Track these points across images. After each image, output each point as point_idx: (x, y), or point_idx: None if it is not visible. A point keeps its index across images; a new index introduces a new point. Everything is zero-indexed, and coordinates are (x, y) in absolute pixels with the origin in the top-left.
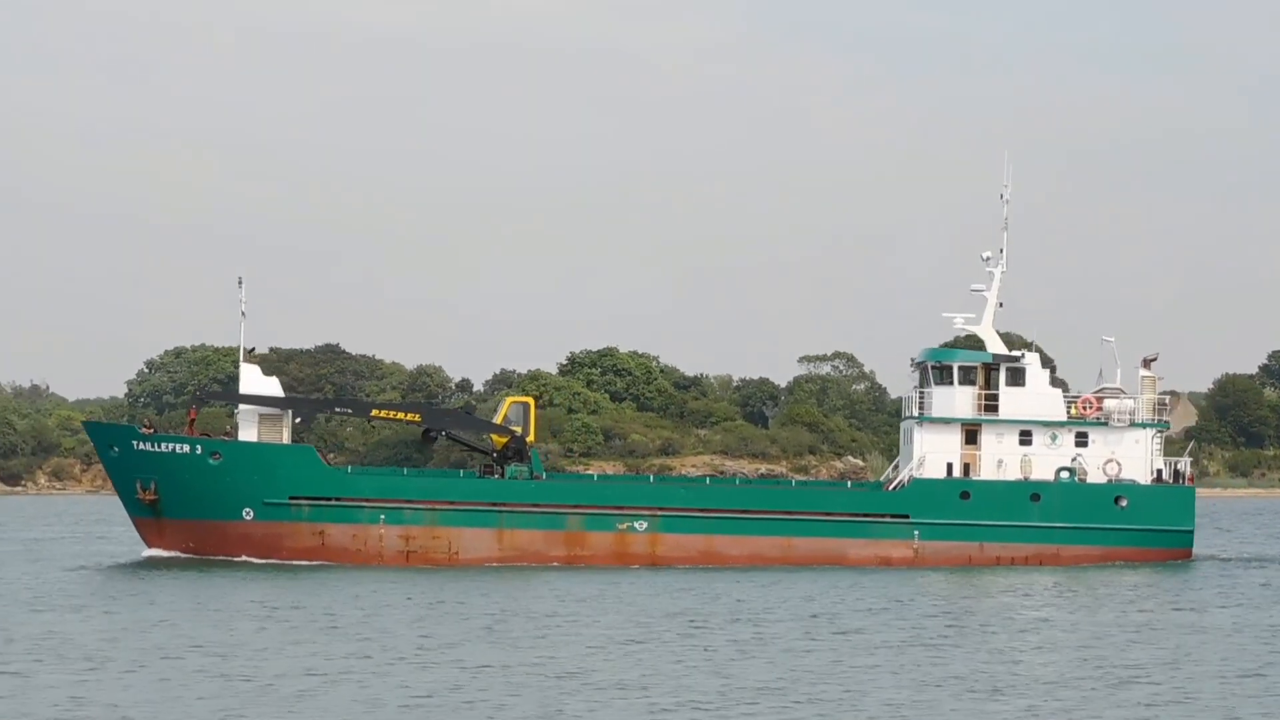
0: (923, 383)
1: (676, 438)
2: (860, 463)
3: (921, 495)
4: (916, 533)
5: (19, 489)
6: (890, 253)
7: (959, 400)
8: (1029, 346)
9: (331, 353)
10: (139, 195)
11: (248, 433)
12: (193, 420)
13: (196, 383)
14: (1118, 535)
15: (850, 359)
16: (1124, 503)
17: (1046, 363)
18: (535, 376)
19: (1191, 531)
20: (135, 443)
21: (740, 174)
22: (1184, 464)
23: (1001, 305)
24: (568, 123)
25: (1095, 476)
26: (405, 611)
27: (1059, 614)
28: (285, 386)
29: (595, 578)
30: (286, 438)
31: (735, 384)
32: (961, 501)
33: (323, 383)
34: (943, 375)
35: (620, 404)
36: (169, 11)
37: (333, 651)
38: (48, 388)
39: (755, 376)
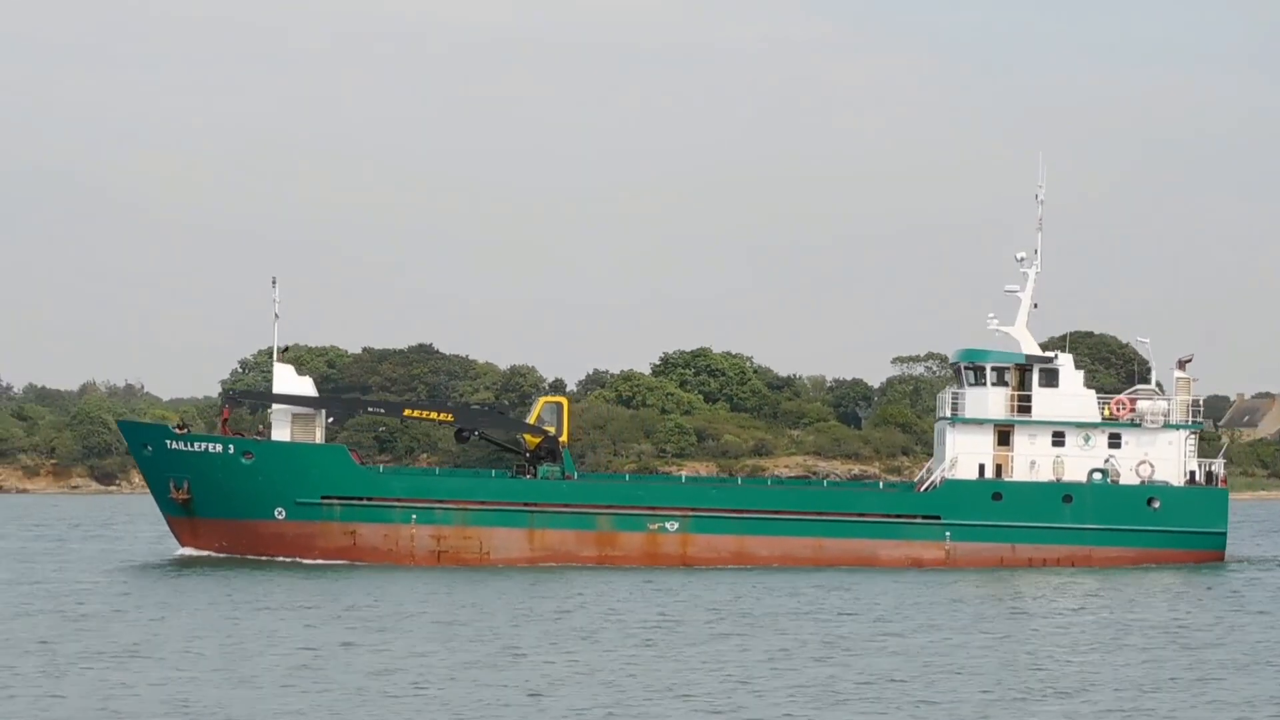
0: (957, 383)
1: (769, 438)
2: None
3: (953, 496)
4: (948, 534)
5: (113, 488)
6: (994, 251)
7: (992, 401)
8: (1062, 348)
9: (424, 353)
10: (236, 200)
11: (280, 432)
12: (225, 420)
13: None
14: (1150, 537)
15: (944, 359)
16: (1157, 504)
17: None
18: (628, 377)
19: (1224, 534)
20: (168, 442)
21: (839, 168)
22: (1217, 465)
23: (1036, 306)
24: (656, 120)
25: (1128, 478)
26: (469, 611)
27: (1112, 615)
28: (379, 386)
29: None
30: (319, 437)
31: (828, 384)
32: (993, 503)
33: (415, 383)
34: (976, 376)
35: (713, 404)
36: (263, 19)
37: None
38: (142, 387)
39: (848, 377)
